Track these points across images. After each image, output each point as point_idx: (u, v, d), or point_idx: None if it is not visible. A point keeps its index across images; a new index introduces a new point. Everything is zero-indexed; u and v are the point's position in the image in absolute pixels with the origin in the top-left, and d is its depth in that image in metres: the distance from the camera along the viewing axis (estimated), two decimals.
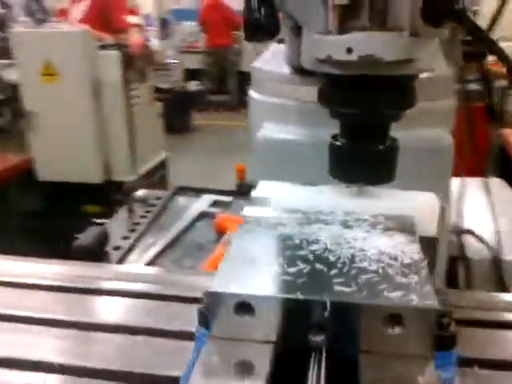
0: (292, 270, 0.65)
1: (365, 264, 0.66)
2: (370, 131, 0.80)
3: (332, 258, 0.68)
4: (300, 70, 0.94)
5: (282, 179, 0.90)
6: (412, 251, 0.70)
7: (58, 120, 3.53)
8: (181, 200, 1.83)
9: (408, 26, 0.66)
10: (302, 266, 0.66)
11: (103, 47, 3.57)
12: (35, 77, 3.47)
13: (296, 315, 0.60)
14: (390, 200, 0.84)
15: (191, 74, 8.77)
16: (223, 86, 9.69)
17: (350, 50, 0.67)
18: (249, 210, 0.81)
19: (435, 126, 1.00)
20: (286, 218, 0.78)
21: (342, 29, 0.67)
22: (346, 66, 0.70)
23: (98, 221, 1.56)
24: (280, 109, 1.07)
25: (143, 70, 3.94)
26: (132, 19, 4.03)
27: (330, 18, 0.67)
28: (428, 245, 0.79)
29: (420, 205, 0.83)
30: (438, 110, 1.01)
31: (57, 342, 0.78)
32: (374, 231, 0.75)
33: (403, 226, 0.77)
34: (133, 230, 1.52)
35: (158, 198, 1.78)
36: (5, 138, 3.77)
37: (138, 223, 1.57)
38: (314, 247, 0.70)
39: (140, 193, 1.81)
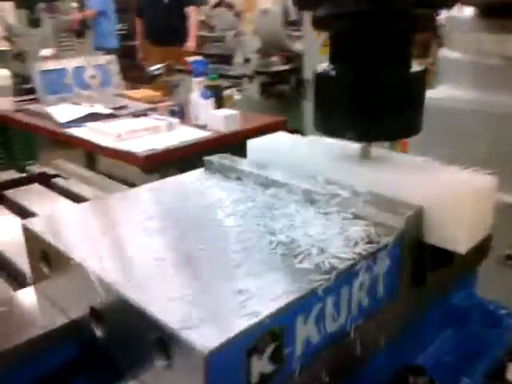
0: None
1: (231, 245, 0.48)
2: (373, 47, 0.53)
3: (214, 227, 0.53)
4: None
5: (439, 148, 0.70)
6: (339, 253, 0.46)
7: None
8: None
9: None
10: (163, 223, 0.56)
11: None
12: (316, 49, 3.63)
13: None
14: (407, 175, 0.56)
15: None
16: None
17: None
18: (222, 156, 0.70)
19: None
20: (247, 173, 0.65)
21: None
22: None
23: None
24: (454, 65, 0.83)
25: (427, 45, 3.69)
26: None
27: None
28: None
29: (455, 195, 0.51)
30: None
31: None
32: (329, 216, 0.53)
33: (385, 220, 0.51)
34: None
35: None
36: (286, 103, 4.08)
37: None
38: (219, 214, 0.56)
39: None
